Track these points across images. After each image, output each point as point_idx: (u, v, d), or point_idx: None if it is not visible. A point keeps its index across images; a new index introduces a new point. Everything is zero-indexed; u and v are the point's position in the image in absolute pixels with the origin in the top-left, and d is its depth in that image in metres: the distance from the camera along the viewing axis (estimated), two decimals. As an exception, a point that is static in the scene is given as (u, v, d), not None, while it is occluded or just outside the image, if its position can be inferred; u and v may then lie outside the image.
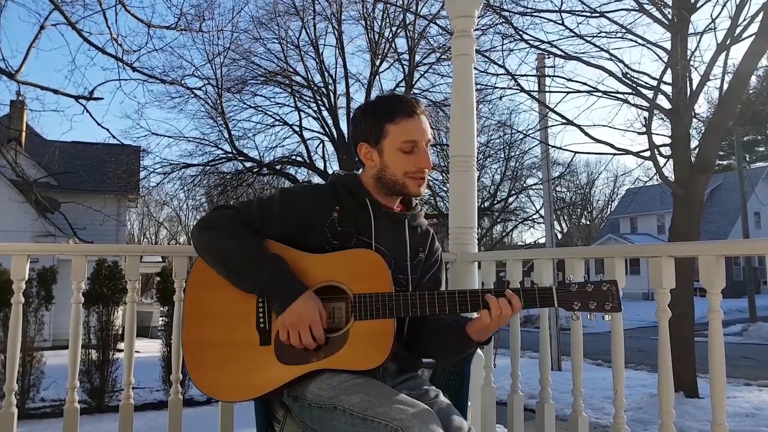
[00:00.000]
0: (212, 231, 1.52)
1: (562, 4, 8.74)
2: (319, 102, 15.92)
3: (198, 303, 1.53)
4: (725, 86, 7.90)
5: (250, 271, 1.45)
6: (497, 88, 10.60)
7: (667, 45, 8.49)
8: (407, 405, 1.32)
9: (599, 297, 1.41)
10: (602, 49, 8.68)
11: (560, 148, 15.88)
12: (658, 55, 8.91)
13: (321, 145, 16.60)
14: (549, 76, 9.77)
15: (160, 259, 12.86)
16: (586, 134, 8.92)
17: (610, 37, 8.95)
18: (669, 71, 8.38)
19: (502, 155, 17.76)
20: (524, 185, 19.96)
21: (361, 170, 1.67)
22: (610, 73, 8.72)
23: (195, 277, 1.55)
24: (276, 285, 1.43)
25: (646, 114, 8.82)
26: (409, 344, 1.62)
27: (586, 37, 8.73)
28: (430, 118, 1.66)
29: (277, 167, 16.25)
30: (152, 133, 15.61)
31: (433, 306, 1.45)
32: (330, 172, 16.23)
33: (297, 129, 16.23)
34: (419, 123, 1.57)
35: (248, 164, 15.83)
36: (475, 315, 1.51)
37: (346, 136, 15.46)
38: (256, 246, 1.48)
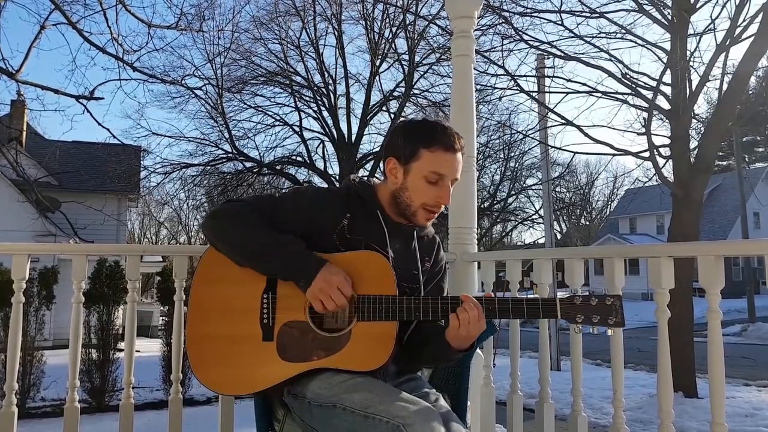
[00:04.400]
0: (227, 219, 1.53)
1: (561, 4, 8.79)
2: (319, 102, 15.92)
3: (202, 299, 1.54)
4: (725, 87, 7.90)
5: (270, 253, 1.47)
6: (497, 88, 10.59)
7: (667, 46, 8.51)
8: (409, 402, 1.33)
9: (603, 311, 1.41)
10: (602, 50, 8.70)
11: (560, 149, 15.85)
12: (657, 56, 8.91)
13: (321, 146, 16.62)
14: (548, 76, 9.78)
15: (161, 259, 12.86)
16: (586, 135, 8.94)
17: (610, 38, 8.97)
18: (668, 72, 8.39)
19: (502, 155, 17.78)
20: (524, 185, 19.99)
21: (380, 181, 1.66)
22: (610, 74, 8.73)
23: (200, 274, 1.56)
24: (299, 261, 1.45)
25: (645, 114, 8.83)
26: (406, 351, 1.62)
27: (585, 38, 8.75)
28: (465, 156, 1.63)
29: (278, 167, 16.25)
30: (153, 133, 15.57)
31: (435, 310, 1.46)
32: (330, 172, 16.25)
33: (297, 129, 16.24)
34: (454, 159, 1.54)
35: (248, 164, 15.83)
36: None
37: (346, 136, 15.47)
38: (272, 230, 1.50)
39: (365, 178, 1.67)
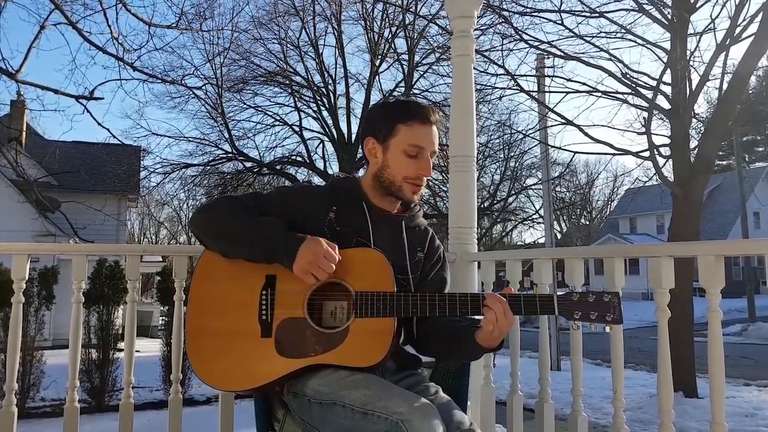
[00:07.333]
0: (211, 211, 1.56)
1: (561, 4, 8.75)
2: (319, 102, 15.93)
3: (201, 296, 1.55)
4: (725, 86, 7.90)
5: (250, 238, 1.48)
6: (497, 88, 10.58)
7: (667, 45, 8.51)
8: (408, 399, 1.33)
9: (601, 308, 1.41)
10: (602, 49, 8.68)
11: (560, 148, 15.88)
12: (657, 56, 8.90)
13: (321, 145, 16.63)
14: (548, 76, 9.77)
15: (161, 259, 12.86)
16: (586, 134, 8.93)
17: (610, 38, 8.95)
18: (668, 71, 8.38)
19: (502, 155, 17.73)
20: (524, 185, 19.96)
21: (361, 172, 1.67)
22: (610, 73, 8.72)
23: (199, 271, 1.57)
24: (281, 241, 1.45)
25: (645, 114, 8.83)
26: (419, 345, 1.62)
27: (585, 38, 8.73)
28: (442, 130, 1.67)
29: (277, 167, 16.25)
30: (152, 133, 15.61)
31: (433, 307, 1.46)
32: (330, 172, 16.24)
33: (297, 129, 16.25)
34: (430, 131, 1.59)
35: (248, 164, 15.84)
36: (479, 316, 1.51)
37: (345, 136, 15.47)
38: (254, 216, 1.51)
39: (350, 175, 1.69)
